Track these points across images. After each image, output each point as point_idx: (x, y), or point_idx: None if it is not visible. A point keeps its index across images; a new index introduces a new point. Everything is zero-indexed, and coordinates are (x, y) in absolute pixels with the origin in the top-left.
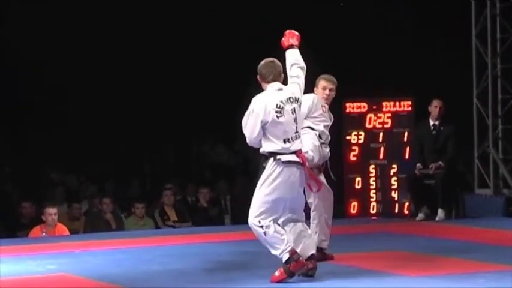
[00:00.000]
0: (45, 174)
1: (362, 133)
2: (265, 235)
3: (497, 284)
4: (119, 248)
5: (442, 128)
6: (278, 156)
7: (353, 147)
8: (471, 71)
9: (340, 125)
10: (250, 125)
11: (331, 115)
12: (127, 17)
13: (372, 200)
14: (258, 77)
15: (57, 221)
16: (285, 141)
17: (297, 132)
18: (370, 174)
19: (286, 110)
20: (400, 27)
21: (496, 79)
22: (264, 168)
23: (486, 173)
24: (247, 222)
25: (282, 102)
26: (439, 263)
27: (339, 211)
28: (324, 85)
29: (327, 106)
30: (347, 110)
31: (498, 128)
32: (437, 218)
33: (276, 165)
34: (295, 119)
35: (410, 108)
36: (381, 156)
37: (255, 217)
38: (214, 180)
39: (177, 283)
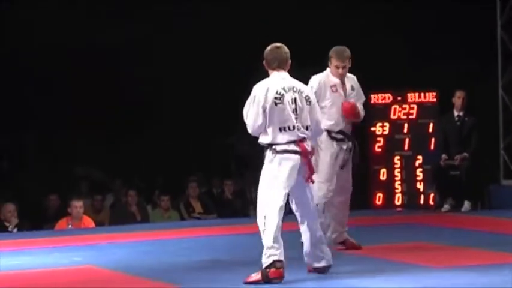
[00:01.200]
0: (70, 168)
1: (387, 124)
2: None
3: None
4: (144, 240)
5: (466, 119)
6: (274, 146)
7: (378, 139)
8: (497, 62)
9: (365, 116)
10: (252, 113)
11: (353, 84)
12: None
13: (397, 191)
14: (263, 62)
15: (83, 213)
16: (280, 130)
17: (298, 123)
18: (395, 166)
19: (285, 99)
20: (424, 19)
21: None
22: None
23: None
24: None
25: (283, 89)
26: (465, 254)
27: (364, 202)
28: (336, 64)
29: (337, 82)
30: (372, 101)
31: None
32: (462, 209)
33: (272, 156)
34: (294, 110)
35: (435, 100)
36: (406, 148)
37: (260, 216)
38: (239, 172)
39: (201, 275)
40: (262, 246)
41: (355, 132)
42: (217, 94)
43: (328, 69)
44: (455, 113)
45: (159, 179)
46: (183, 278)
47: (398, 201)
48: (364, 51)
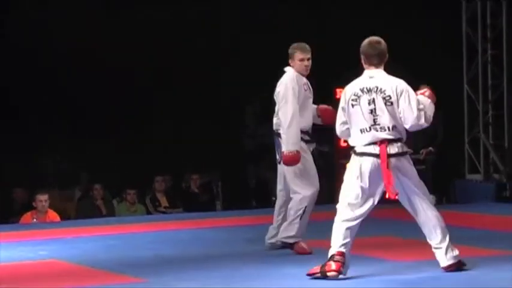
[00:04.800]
0: (36, 161)
1: None
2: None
3: (487, 269)
4: (109, 234)
5: None
6: (354, 148)
7: None
8: (461, 57)
9: None
10: (337, 116)
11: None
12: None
13: None
14: (362, 57)
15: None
16: (361, 131)
17: (376, 124)
18: None
19: (362, 100)
20: (389, 13)
21: (486, 65)
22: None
23: (476, 158)
24: (237, 208)
25: (361, 90)
26: (428, 248)
27: (330, 197)
28: (301, 56)
29: (306, 81)
30: (337, 96)
31: (488, 114)
32: None
33: (352, 157)
34: (372, 110)
35: None
36: None
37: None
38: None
39: (167, 269)
40: (228, 240)
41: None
42: (189, 88)
43: (290, 69)
44: None
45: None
46: (149, 271)
47: None
48: (328, 46)
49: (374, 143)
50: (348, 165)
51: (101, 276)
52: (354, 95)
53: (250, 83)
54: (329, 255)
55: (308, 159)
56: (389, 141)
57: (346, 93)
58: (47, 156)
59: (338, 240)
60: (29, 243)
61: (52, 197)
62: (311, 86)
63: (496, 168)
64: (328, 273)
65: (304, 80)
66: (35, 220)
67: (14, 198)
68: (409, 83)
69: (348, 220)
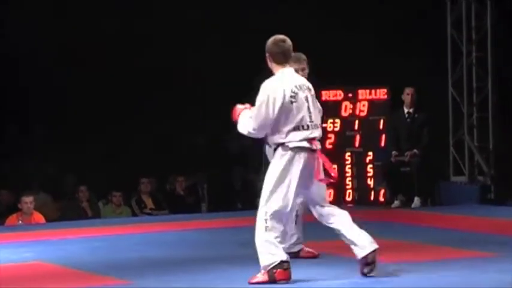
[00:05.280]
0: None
1: (338, 121)
2: (266, 230)
3: (471, 271)
4: (95, 236)
5: (416, 116)
6: (286, 144)
7: (329, 135)
8: (446, 60)
9: None
10: (266, 113)
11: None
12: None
13: (347, 187)
14: (267, 57)
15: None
16: (295, 129)
17: (311, 121)
18: (346, 162)
19: (299, 97)
20: (375, 16)
21: (471, 67)
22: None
23: (461, 160)
24: (223, 210)
25: (296, 87)
26: (414, 249)
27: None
28: (295, 67)
29: None
30: (323, 98)
31: (473, 116)
32: (413, 205)
33: (284, 152)
34: (308, 108)
35: (386, 96)
36: (357, 144)
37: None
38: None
39: (152, 270)
40: (213, 242)
41: None
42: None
43: None
44: (405, 110)
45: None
46: (134, 273)
47: (349, 197)
48: (315, 48)
49: (308, 139)
50: (276, 161)
51: (85, 278)
52: (292, 92)
53: (235, 83)
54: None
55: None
56: (317, 138)
57: (284, 91)
58: (31, 159)
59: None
60: (14, 245)
61: (36, 200)
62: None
63: (481, 171)
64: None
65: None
66: (20, 222)
67: None
68: (394, 85)
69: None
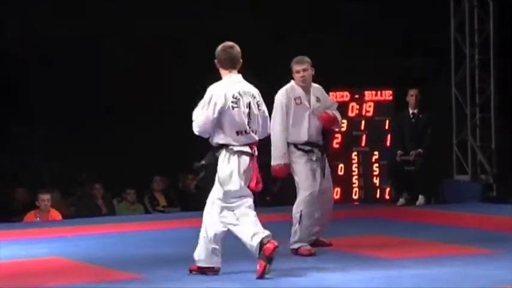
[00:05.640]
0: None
1: (345, 121)
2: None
3: (474, 267)
4: (109, 232)
5: (420, 116)
6: (230, 147)
7: (336, 135)
8: (450, 62)
9: None
10: (206, 114)
11: (319, 95)
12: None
13: (354, 186)
14: (215, 61)
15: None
16: (237, 133)
17: (250, 127)
18: (353, 161)
19: (241, 103)
20: (381, 22)
21: (474, 69)
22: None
23: (464, 159)
24: None
25: (239, 93)
26: (419, 246)
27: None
28: (297, 68)
29: (302, 94)
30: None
31: (476, 117)
32: (417, 203)
33: (228, 155)
34: (248, 114)
35: (391, 98)
36: (363, 144)
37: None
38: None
39: (164, 266)
40: (226, 239)
41: None
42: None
43: (292, 82)
44: (410, 111)
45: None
46: (146, 269)
47: (355, 195)
48: (324, 51)
49: (248, 144)
50: (221, 162)
51: (99, 273)
52: (234, 97)
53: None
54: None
55: (300, 166)
56: (256, 143)
57: (225, 95)
58: (48, 158)
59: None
60: (32, 241)
61: (52, 198)
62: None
63: (483, 170)
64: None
65: (300, 93)
66: (37, 219)
67: (15, 197)
68: (398, 88)
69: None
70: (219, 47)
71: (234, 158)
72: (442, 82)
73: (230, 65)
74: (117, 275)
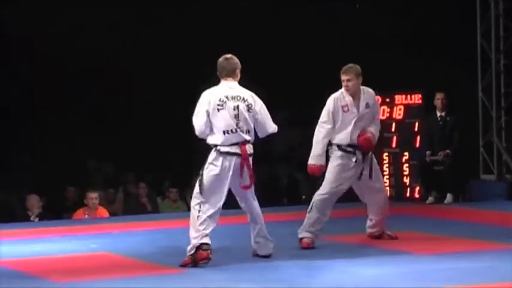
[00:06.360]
0: (83, 161)
1: None
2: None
3: (501, 262)
4: (154, 229)
5: (448, 119)
6: (218, 147)
7: None
8: (476, 67)
9: None
10: (199, 117)
11: (369, 101)
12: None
13: (385, 185)
14: (219, 72)
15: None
16: (224, 133)
17: (239, 127)
18: (384, 161)
19: (228, 105)
20: (415, 32)
21: (499, 74)
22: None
23: (490, 160)
24: (268, 205)
25: (226, 97)
26: (447, 242)
27: (355, 195)
28: (342, 78)
29: (349, 101)
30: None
31: (501, 119)
32: (445, 202)
33: (216, 156)
34: (236, 115)
35: (420, 101)
36: (394, 145)
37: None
38: None
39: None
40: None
41: None
42: None
43: (342, 89)
44: (438, 114)
45: (168, 173)
46: None
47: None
48: (359, 59)
49: (236, 144)
50: (211, 162)
51: (145, 267)
52: (220, 100)
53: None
54: (196, 246)
55: (334, 167)
56: (248, 142)
57: (210, 100)
58: (95, 159)
59: (205, 231)
60: (81, 237)
61: (100, 196)
62: None
63: (508, 169)
64: (200, 262)
65: (348, 100)
66: (86, 216)
67: (65, 196)
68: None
69: (211, 211)
70: (221, 58)
71: (220, 159)
72: (468, 86)
73: (225, 74)
74: (162, 270)
